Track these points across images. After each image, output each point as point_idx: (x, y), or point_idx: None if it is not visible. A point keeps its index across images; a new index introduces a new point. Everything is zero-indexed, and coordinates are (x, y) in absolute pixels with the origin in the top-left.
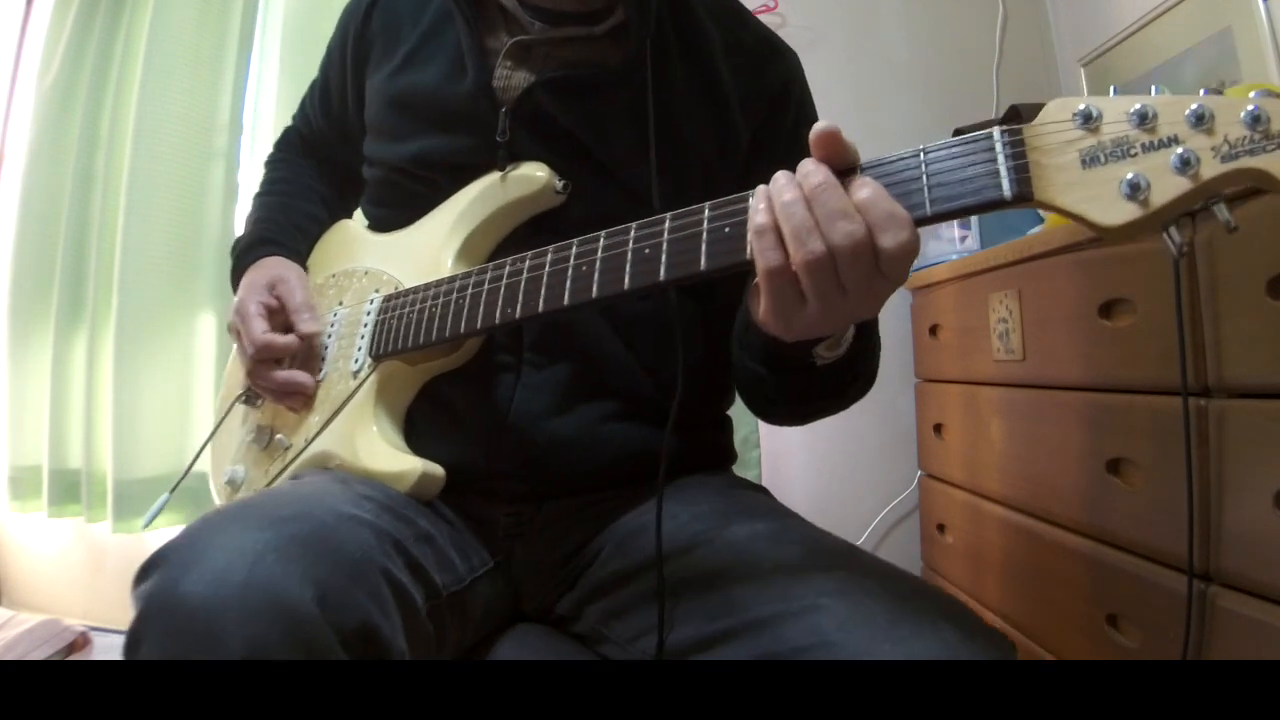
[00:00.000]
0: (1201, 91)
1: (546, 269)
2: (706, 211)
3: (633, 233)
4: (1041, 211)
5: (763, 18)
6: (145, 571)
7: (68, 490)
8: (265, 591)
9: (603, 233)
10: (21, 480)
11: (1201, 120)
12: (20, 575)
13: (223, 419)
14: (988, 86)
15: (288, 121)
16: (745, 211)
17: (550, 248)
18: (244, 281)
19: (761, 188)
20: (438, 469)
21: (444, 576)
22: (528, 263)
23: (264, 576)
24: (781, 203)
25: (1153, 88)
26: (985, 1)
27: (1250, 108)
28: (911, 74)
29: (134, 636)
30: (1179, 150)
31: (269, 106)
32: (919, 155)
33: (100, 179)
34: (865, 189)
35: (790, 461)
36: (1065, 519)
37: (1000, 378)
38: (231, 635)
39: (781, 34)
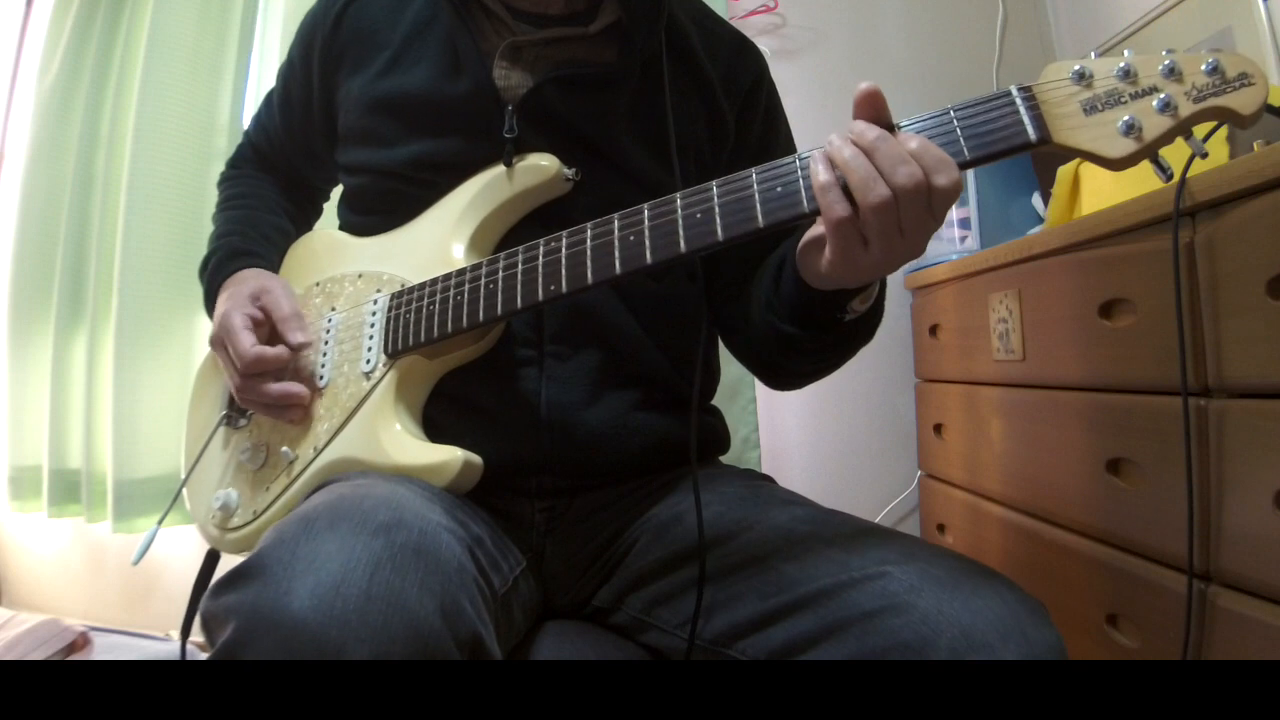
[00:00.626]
0: (1164, 51)
1: (589, 243)
2: (754, 175)
3: (679, 201)
4: (1044, 214)
5: (762, 18)
6: (236, 580)
7: (68, 490)
8: (389, 604)
9: (645, 205)
10: (21, 480)
11: (1173, 72)
12: (20, 575)
13: (206, 444)
14: (988, 86)
15: None
16: (792, 172)
17: (589, 224)
18: (223, 295)
19: (816, 151)
20: (477, 458)
21: (497, 579)
22: (565, 240)
23: (385, 588)
24: (844, 158)
25: (1125, 50)
26: (985, 1)
27: (1209, 60)
28: (911, 74)
29: (229, 651)
30: (1160, 96)
31: None
32: (948, 113)
33: (100, 179)
34: (913, 140)
35: (790, 461)
36: (1065, 519)
37: (1000, 378)
38: (354, 650)
39: (781, 34)
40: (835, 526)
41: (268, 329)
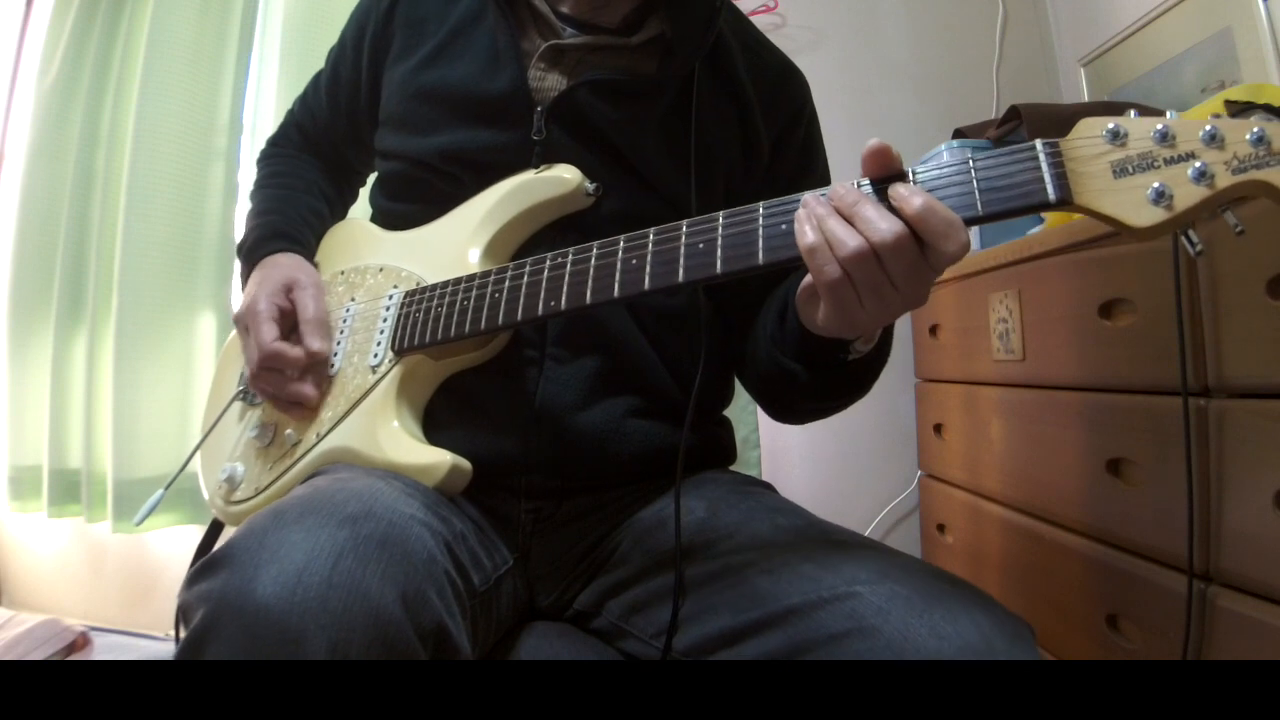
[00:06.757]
0: (1210, 116)
1: (593, 263)
2: (760, 210)
3: (684, 229)
4: (1046, 215)
5: (763, 18)
6: (207, 570)
7: (68, 490)
8: (350, 592)
9: (651, 229)
10: (21, 480)
11: (1214, 139)
12: (20, 575)
13: (220, 416)
14: (988, 86)
15: None
16: (797, 209)
17: (594, 244)
18: (256, 277)
19: (808, 194)
20: (466, 462)
21: (477, 576)
22: (570, 258)
23: (346, 577)
24: (828, 226)
25: (1169, 112)
26: (985, 1)
27: (1255, 129)
28: (911, 74)
29: (198, 638)
30: (1196, 164)
31: (269, 106)
32: (967, 163)
33: (100, 179)
34: (918, 198)
35: (790, 461)
36: (1065, 519)
37: (1000, 378)
38: (313, 637)
39: (781, 34)
40: (814, 539)
41: (293, 321)
